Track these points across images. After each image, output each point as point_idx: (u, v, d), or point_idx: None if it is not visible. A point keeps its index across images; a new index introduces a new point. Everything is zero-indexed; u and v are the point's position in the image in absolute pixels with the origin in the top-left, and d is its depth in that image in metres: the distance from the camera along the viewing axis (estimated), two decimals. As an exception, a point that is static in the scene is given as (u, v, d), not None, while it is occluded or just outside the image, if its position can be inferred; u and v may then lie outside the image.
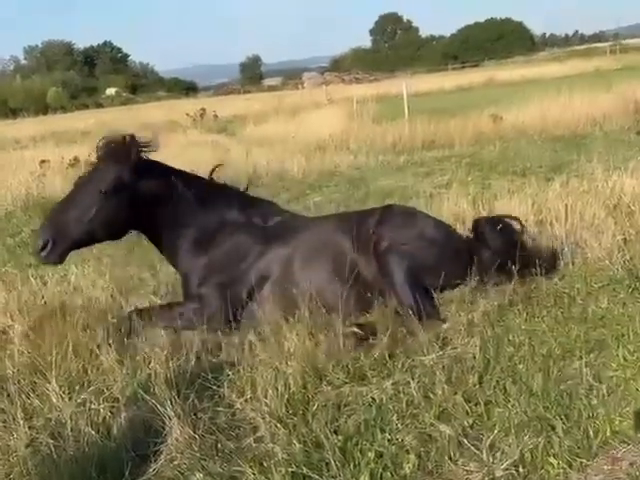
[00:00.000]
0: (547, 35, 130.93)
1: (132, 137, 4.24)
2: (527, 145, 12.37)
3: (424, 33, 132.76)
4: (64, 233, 4.07)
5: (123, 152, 4.19)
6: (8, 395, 3.55)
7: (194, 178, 4.75)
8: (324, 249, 4.50)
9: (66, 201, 4.23)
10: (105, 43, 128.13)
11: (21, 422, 3.23)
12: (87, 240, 4.26)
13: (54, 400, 3.40)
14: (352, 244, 4.41)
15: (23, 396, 3.53)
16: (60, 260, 4.18)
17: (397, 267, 4.23)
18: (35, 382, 3.64)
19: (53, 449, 3.09)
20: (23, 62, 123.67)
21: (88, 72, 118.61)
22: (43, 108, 78.66)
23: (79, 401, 3.41)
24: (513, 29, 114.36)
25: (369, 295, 4.32)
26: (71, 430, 3.20)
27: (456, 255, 4.48)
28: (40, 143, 23.19)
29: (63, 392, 3.46)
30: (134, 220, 4.37)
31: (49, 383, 3.51)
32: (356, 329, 3.98)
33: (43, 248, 4.04)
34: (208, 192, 4.63)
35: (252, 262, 4.45)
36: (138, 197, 4.26)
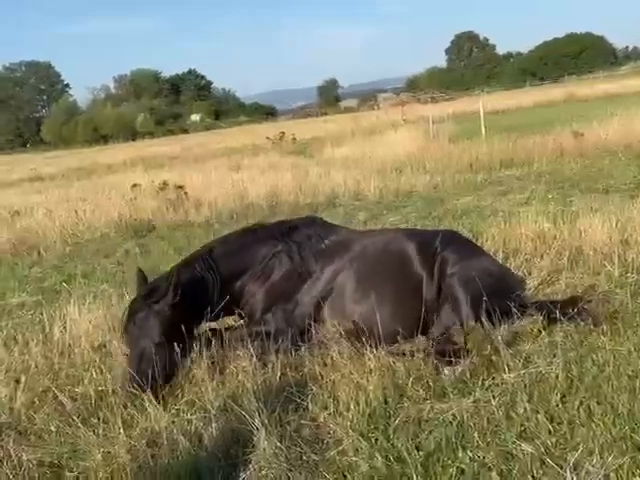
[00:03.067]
0: (630, 48, 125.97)
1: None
2: (610, 162, 12.02)
3: (501, 50, 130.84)
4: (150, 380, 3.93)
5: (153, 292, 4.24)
6: (108, 406, 3.79)
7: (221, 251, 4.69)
8: (387, 265, 4.56)
9: (133, 361, 4.06)
10: (190, 71, 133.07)
11: (121, 431, 3.45)
12: (173, 367, 4.11)
13: (150, 411, 3.61)
14: (419, 261, 4.50)
15: (122, 407, 3.76)
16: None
17: (462, 292, 4.28)
18: (133, 393, 3.87)
19: (150, 457, 3.28)
20: (113, 90, 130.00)
21: (174, 99, 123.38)
22: (132, 134, 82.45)
23: (173, 412, 3.61)
24: (594, 43, 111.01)
25: (425, 314, 4.37)
26: (166, 439, 3.39)
27: (508, 289, 4.46)
28: (130, 168, 24.30)
29: (159, 403, 3.68)
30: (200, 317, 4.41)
31: (145, 395, 3.73)
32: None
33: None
34: (243, 241, 4.72)
35: (309, 285, 4.55)
36: (188, 311, 4.25)
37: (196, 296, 4.36)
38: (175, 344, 3.98)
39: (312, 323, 4.42)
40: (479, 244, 6.39)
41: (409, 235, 4.77)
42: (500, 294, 4.29)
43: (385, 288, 4.48)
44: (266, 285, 4.55)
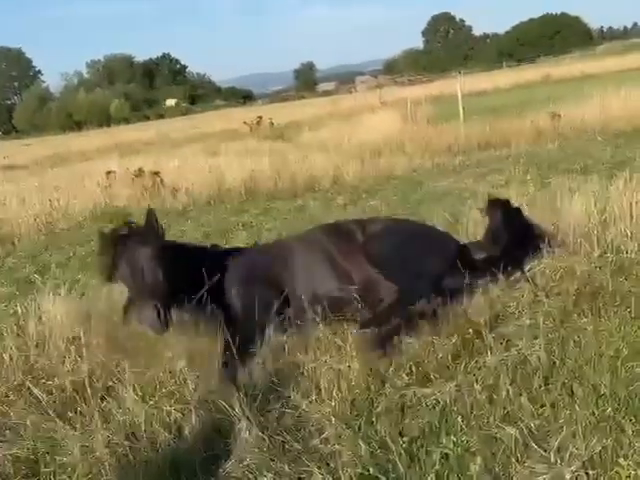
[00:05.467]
0: (605, 29, 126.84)
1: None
2: (587, 142, 12.11)
3: (477, 32, 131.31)
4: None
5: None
6: (85, 399, 3.70)
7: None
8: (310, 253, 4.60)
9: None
10: (164, 55, 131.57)
11: (98, 424, 3.36)
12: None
13: (129, 403, 3.53)
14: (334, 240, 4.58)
15: (99, 400, 3.70)
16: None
17: (385, 255, 4.35)
18: (111, 386, 3.80)
19: (129, 450, 3.22)
20: (86, 76, 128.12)
21: (148, 84, 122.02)
22: (106, 120, 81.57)
23: (152, 403, 3.54)
24: (569, 24, 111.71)
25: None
26: (145, 432, 3.32)
27: (440, 250, 4.50)
28: (105, 155, 23.98)
29: (137, 395, 3.60)
30: None
31: (124, 387, 3.66)
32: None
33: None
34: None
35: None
36: None
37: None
38: None
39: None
40: (459, 226, 6.38)
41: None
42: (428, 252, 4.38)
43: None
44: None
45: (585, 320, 4.04)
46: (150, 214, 4.30)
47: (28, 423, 3.56)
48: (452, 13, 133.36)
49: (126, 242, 4.11)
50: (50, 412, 3.57)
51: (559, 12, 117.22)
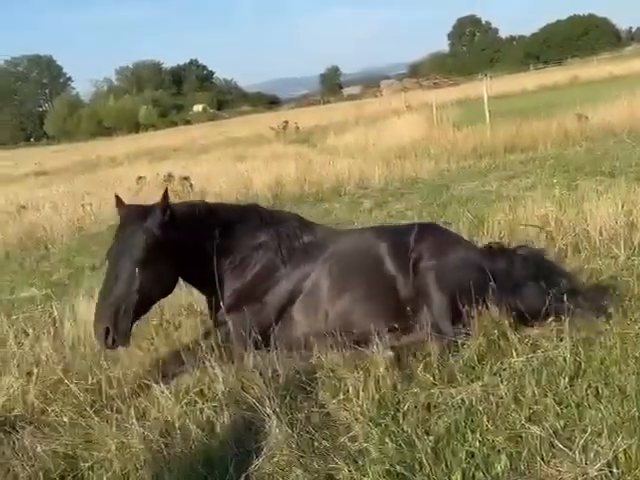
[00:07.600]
0: (634, 29, 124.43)
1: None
2: (615, 145, 11.99)
3: (504, 34, 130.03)
4: (119, 316, 3.80)
5: (145, 210, 4.13)
6: (122, 397, 3.82)
7: (221, 208, 4.68)
8: (359, 266, 4.41)
9: (107, 281, 3.91)
10: (191, 62, 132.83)
11: (134, 421, 3.48)
12: (145, 308, 4.07)
13: (163, 401, 3.65)
14: (391, 260, 4.36)
15: (135, 398, 3.81)
16: (128, 340, 3.91)
17: (436, 289, 4.17)
18: (146, 385, 3.91)
19: (163, 446, 3.32)
20: (115, 83, 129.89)
21: (176, 90, 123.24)
22: (135, 126, 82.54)
23: (185, 401, 3.65)
24: (597, 25, 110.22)
25: (404, 311, 4.21)
26: (179, 429, 3.42)
27: (484, 277, 4.21)
28: (134, 160, 24.36)
29: (170, 393, 3.71)
30: (182, 269, 4.23)
31: (158, 385, 3.77)
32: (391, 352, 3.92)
33: (106, 337, 3.75)
34: (239, 219, 4.53)
35: (281, 284, 4.36)
36: (177, 247, 4.09)
37: (192, 232, 4.18)
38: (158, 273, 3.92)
39: (274, 326, 4.27)
40: (484, 229, 6.41)
41: (380, 234, 4.59)
42: (483, 284, 4.15)
43: (357, 289, 4.33)
44: (240, 280, 4.36)
45: (611, 322, 4.05)
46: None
47: (65, 420, 3.69)
48: (478, 15, 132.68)
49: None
50: (87, 409, 3.70)
51: (586, 13, 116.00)
